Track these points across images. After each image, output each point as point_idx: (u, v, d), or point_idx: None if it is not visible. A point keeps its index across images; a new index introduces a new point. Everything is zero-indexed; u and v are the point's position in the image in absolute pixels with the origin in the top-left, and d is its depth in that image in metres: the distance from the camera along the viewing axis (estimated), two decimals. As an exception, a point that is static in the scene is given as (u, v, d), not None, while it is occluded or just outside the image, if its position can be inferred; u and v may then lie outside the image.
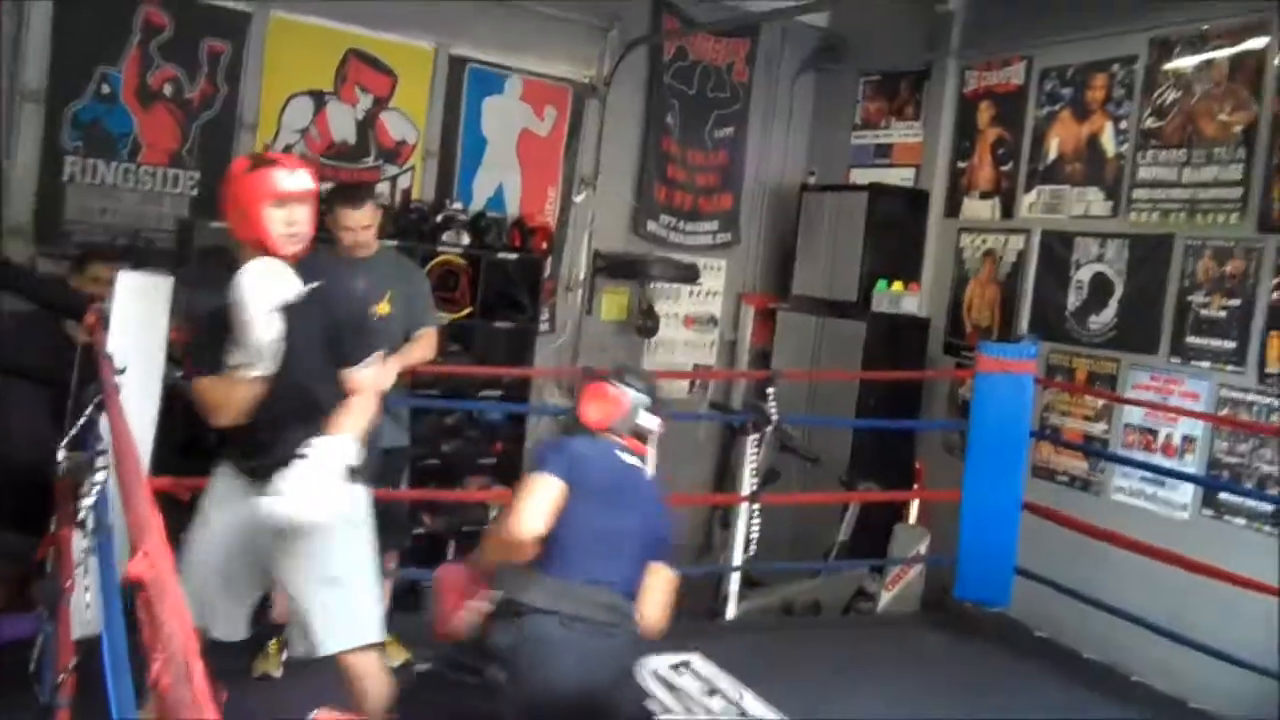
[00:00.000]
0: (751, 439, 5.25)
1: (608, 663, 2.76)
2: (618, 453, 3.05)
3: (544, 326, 6.85)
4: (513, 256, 6.50)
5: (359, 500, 3.10)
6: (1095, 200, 5.99)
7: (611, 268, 7.11)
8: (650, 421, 3.14)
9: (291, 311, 2.87)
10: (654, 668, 4.33)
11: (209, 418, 3.00)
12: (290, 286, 2.86)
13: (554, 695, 2.65)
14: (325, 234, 4.45)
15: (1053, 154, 6.25)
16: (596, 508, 2.86)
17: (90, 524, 2.54)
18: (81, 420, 3.19)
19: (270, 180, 2.91)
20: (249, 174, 2.93)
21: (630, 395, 3.11)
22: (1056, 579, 5.03)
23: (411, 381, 4.80)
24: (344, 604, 3.06)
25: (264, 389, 2.93)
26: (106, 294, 4.56)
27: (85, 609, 2.89)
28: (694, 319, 7.61)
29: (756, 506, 5.13)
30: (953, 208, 6.83)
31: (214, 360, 2.92)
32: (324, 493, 2.79)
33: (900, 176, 7.15)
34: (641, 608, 2.91)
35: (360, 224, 4.22)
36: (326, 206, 4.39)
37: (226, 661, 3.90)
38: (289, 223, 2.91)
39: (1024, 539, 5.08)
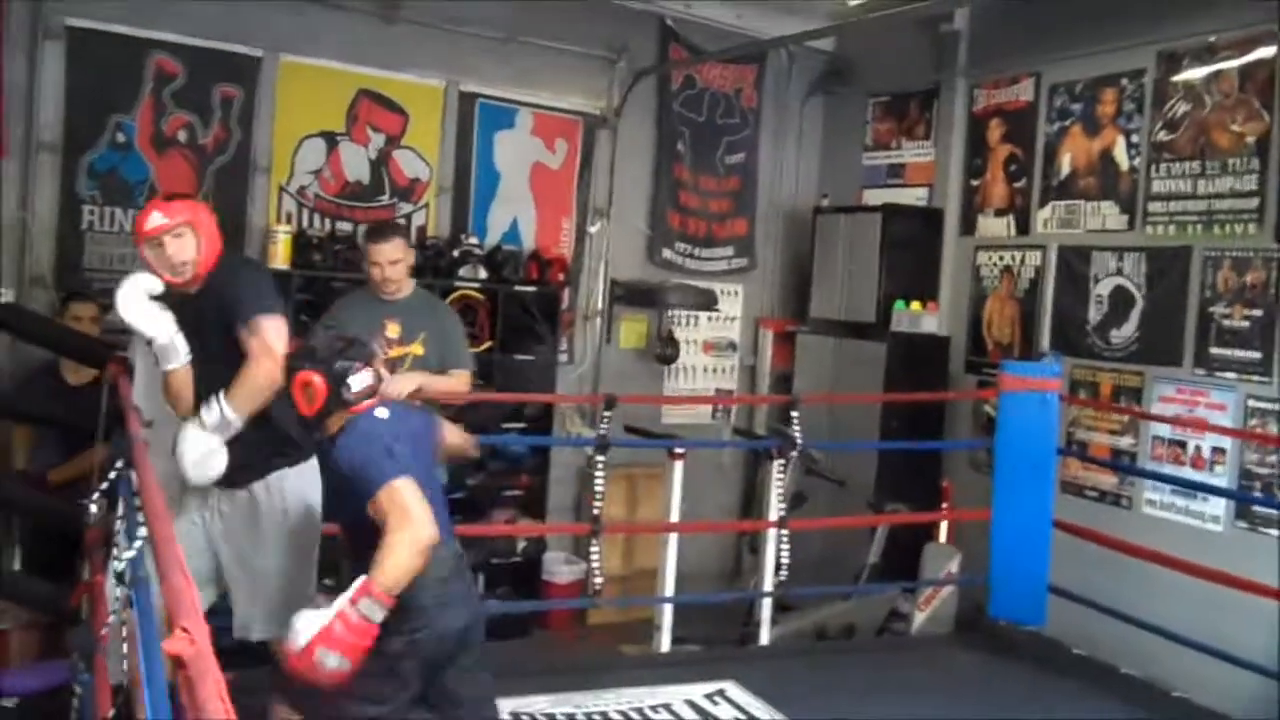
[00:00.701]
0: (777, 464, 5.24)
1: (473, 594, 3.19)
2: (381, 415, 3.01)
3: (564, 357, 6.88)
4: (530, 289, 6.54)
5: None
6: (1110, 214, 5.99)
7: (629, 296, 7.12)
8: (361, 382, 2.97)
9: (180, 307, 3.21)
10: (689, 697, 4.32)
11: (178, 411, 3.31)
12: (153, 283, 3.18)
13: (457, 638, 2.95)
14: (362, 273, 4.55)
15: (1065, 169, 6.26)
16: (422, 480, 2.90)
17: (129, 577, 2.54)
18: (112, 474, 3.21)
19: (137, 224, 3.31)
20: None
21: (324, 376, 2.95)
22: (1091, 595, 4.98)
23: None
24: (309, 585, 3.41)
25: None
26: (88, 332, 4.76)
27: (121, 658, 2.90)
28: (713, 345, 7.61)
29: (785, 531, 5.11)
30: (968, 225, 6.84)
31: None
32: (203, 453, 3.16)
33: (914, 196, 7.16)
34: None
35: (387, 258, 4.32)
36: (359, 246, 4.49)
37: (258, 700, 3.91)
38: (168, 254, 3.23)
39: (1057, 556, 5.05)
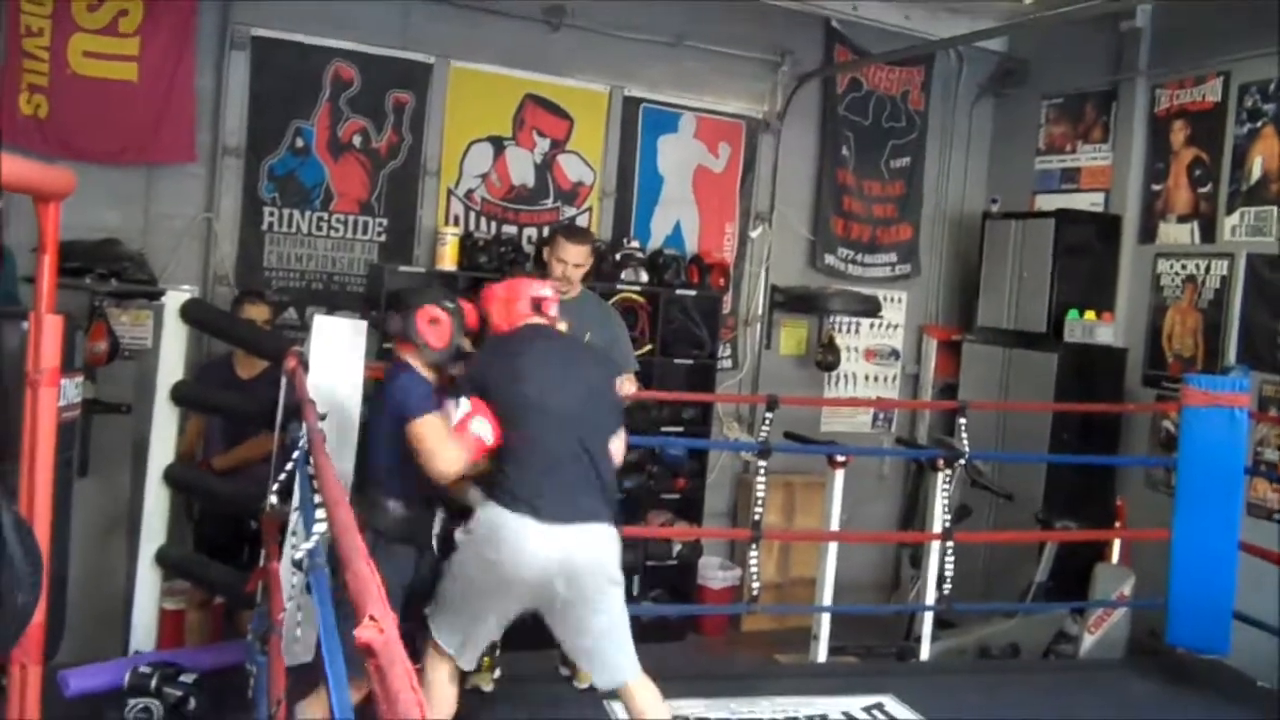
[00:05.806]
0: (942, 475, 5.09)
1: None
2: None
3: (725, 363, 6.85)
4: (691, 293, 6.52)
5: None
6: (1307, 221, 5.64)
7: (790, 302, 7.05)
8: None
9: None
10: (846, 709, 4.23)
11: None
12: None
13: None
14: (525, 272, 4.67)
15: (1256, 173, 5.92)
16: None
17: (307, 565, 2.61)
18: (289, 465, 3.31)
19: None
20: None
21: None
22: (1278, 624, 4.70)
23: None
24: None
25: None
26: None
27: (294, 641, 2.98)
28: (874, 352, 7.48)
29: (950, 544, 4.96)
30: (1147, 233, 6.53)
31: None
32: None
33: (1089, 201, 6.88)
34: None
35: (573, 260, 4.43)
36: (549, 239, 4.59)
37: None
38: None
39: (1242, 581, 4.76)
